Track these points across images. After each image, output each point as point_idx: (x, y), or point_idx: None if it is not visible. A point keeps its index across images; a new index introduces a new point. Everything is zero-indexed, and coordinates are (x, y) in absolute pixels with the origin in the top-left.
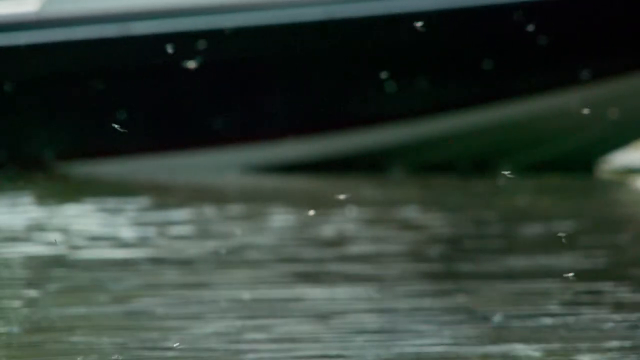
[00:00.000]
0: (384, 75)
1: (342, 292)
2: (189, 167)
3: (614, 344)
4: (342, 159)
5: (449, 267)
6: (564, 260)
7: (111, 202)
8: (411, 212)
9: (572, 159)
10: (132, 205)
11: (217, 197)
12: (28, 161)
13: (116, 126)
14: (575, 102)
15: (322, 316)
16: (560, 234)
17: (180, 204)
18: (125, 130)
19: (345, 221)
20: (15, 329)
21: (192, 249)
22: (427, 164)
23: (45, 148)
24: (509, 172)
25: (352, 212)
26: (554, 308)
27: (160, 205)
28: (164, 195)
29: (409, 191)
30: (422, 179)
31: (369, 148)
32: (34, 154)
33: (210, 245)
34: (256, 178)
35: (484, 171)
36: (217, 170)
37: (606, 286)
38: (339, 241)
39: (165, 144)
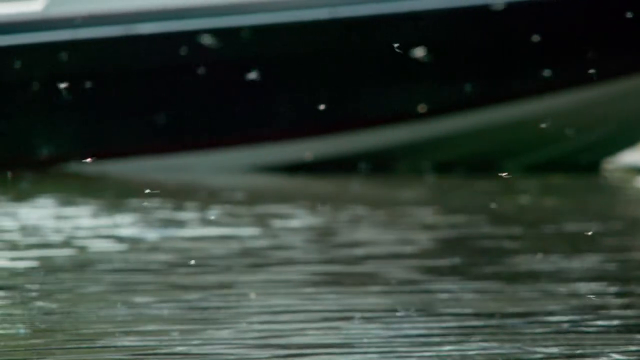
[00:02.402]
0: (388, 75)
1: (362, 295)
2: (194, 167)
3: (625, 347)
4: (347, 159)
5: (466, 268)
6: (575, 261)
7: (126, 203)
8: (423, 213)
9: (578, 159)
10: (149, 206)
11: (229, 198)
12: (33, 161)
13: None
14: (580, 102)
15: (341, 320)
16: (570, 235)
17: (195, 205)
18: (132, 132)
19: (359, 222)
20: (36, 332)
21: (211, 251)
22: (432, 163)
23: (49, 148)
24: (512, 172)
25: (364, 212)
26: (565, 310)
27: (176, 207)
28: (178, 196)
29: (418, 192)
30: (429, 178)
31: (374, 148)
32: (38, 154)
33: (229, 246)
34: (265, 178)
35: (489, 171)
36: (222, 170)
37: (616, 288)
38: (356, 243)
39: (170, 144)
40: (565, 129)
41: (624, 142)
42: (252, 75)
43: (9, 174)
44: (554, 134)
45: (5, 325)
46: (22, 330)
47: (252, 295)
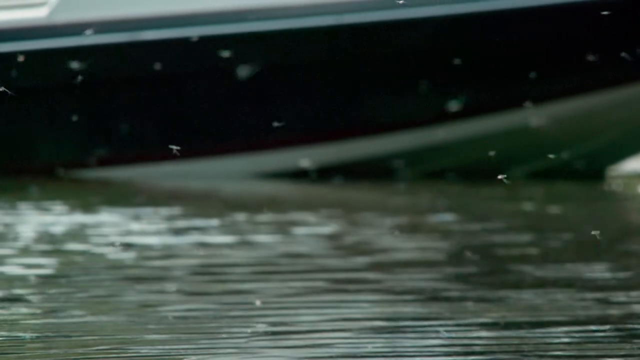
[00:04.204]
0: (393, 81)
1: (379, 302)
2: (200, 174)
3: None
4: (352, 166)
5: (472, 276)
6: (582, 269)
7: (140, 210)
8: (433, 220)
9: (582, 166)
10: (161, 213)
11: (242, 204)
12: (38, 168)
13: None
14: (584, 109)
15: (358, 328)
16: (576, 242)
17: (208, 212)
18: (138, 136)
19: (375, 229)
20: (59, 337)
21: (232, 258)
22: (437, 170)
23: (55, 155)
24: (516, 179)
25: (373, 219)
26: (571, 319)
27: (195, 214)
28: (195, 203)
29: (425, 198)
30: (434, 185)
31: (378, 155)
32: (43, 161)
33: (246, 255)
34: (275, 185)
35: (493, 178)
36: (228, 177)
37: (623, 296)
38: (370, 250)
39: (175, 150)
40: (570, 136)
41: (628, 149)
42: (257, 82)
43: (34, 188)
44: (558, 141)
45: (20, 334)
46: (40, 337)
47: (271, 303)
